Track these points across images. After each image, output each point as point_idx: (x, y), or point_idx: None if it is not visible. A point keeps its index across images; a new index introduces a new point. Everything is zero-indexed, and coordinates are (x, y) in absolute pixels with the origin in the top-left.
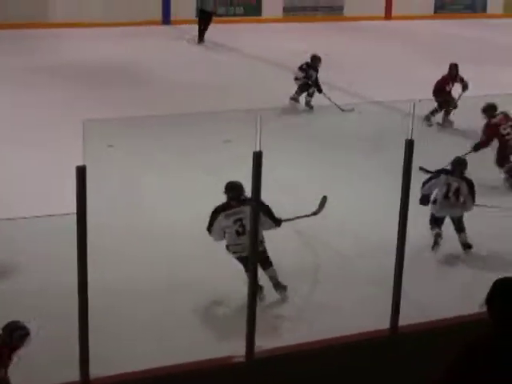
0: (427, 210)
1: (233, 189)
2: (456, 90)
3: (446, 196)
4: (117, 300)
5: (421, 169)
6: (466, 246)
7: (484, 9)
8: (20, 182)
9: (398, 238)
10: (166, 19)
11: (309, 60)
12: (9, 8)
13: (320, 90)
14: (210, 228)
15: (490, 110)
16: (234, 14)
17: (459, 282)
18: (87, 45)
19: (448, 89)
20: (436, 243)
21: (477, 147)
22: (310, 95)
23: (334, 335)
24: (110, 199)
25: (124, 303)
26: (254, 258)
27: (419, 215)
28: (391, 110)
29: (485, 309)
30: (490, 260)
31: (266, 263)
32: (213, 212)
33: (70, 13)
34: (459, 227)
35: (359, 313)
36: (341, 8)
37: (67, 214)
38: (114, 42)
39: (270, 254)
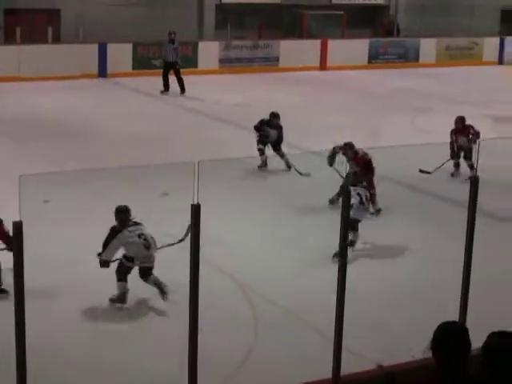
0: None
1: (123, 211)
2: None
3: (360, 202)
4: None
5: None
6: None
7: (417, 58)
8: None
9: (337, 284)
10: (103, 72)
11: (266, 117)
12: None
13: (278, 150)
14: (107, 243)
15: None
16: None
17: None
18: (24, 99)
19: (450, 140)
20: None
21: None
22: (260, 151)
23: None
24: (45, 255)
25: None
26: (196, 308)
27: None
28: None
29: (429, 354)
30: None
31: (148, 275)
32: (112, 230)
33: (7, 67)
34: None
35: (301, 363)
36: (276, 59)
37: None
38: (51, 96)
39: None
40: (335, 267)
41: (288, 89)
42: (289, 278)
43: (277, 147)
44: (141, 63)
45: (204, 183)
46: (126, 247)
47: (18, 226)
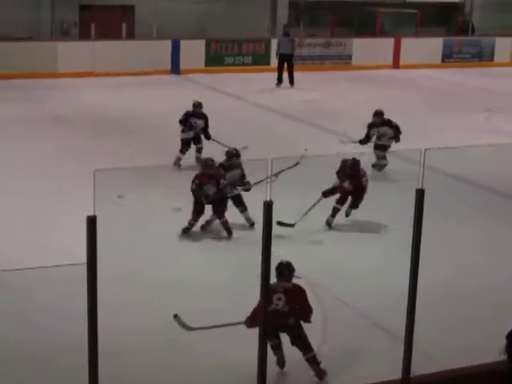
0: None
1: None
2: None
3: None
4: (123, 349)
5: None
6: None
7: (491, 57)
8: (30, 231)
9: (409, 285)
10: (175, 69)
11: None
12: (18, 58)
13: (208, 137)
14: None
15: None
16: (243, 63)
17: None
18: (98, 94)
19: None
20: None
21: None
22: (199, 151)
23: None
24: (119, 250)
25: (130, 353)
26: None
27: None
28: (399, 158)
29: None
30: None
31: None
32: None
33: (81, 63)
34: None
35: (370, 363)
36: (349, 57)
37: (76, 264)
38: (124, 92)
39: None
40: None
41: (359, 87)
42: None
43: (205, 136)
44: (213, 60)
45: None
46: None
47: (92, 221)
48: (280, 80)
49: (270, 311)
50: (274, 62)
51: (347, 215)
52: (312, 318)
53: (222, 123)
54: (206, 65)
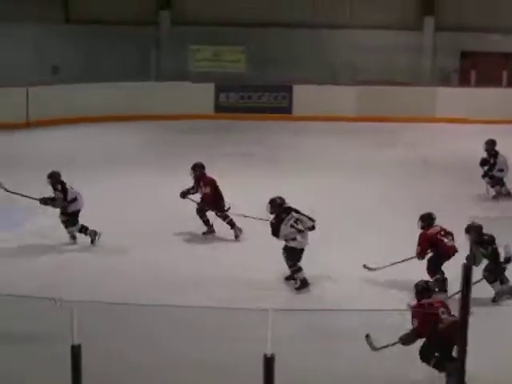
0: None
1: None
2: None
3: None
4: None
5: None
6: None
7: None
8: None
9: None
10: None
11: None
12: (398, 103)
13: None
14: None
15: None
16: None
17: None
18: (472, 141)
19: None
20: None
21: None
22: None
23: None
24: None
25: None
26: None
27: None
28: None
29: None
30: None
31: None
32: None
33: (458, 109)
34: None
35: None
36: None
37: None
38: (500, 140)
39: None
40: None
41: None
42: None
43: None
44: None
45: None
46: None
47: (467, 269)
48: None
49: (446, 327)
50: None
51: None
52: None
53: None
54: None
